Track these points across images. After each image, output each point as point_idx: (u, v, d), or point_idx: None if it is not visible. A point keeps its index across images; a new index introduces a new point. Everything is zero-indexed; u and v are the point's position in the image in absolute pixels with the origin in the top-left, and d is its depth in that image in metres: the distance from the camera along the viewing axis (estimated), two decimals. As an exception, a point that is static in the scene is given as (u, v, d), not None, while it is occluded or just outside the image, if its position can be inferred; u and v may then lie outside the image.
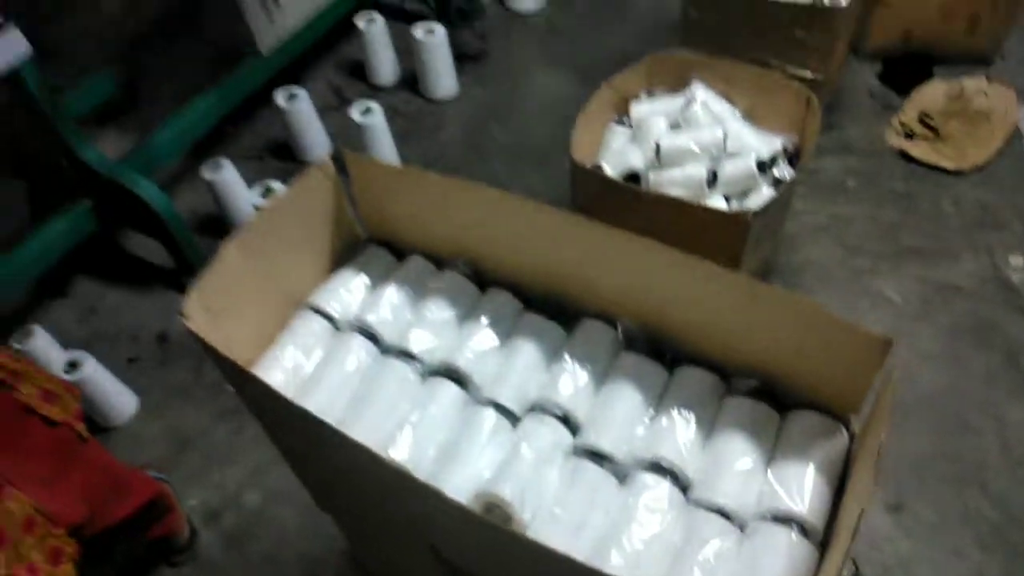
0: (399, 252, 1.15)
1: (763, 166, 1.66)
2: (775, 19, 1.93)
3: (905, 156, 2.13)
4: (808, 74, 1.99)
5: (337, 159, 1.08)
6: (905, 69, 2.32)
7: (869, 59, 2.38)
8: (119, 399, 1.78)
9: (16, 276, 1.88)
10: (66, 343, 1.81)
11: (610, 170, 1.73)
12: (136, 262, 2.12)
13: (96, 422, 1.77)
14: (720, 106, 1.79)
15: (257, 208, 2.00)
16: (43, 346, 1.74)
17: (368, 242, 1.16)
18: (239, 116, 2.38)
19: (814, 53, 1.96)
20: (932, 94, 2.24)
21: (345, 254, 1.15)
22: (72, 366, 1.67)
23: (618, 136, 1.83)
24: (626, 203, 1.60)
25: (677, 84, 1.88)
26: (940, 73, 2.31)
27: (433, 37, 2.33)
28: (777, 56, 1.99)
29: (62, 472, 1.00)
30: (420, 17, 2.68)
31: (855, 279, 1.92)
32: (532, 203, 0.95)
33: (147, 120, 2.44)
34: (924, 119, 2.17)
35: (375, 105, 2.16)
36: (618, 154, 1.77)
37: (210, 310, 0.93)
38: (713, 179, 1.67)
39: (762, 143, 1.73)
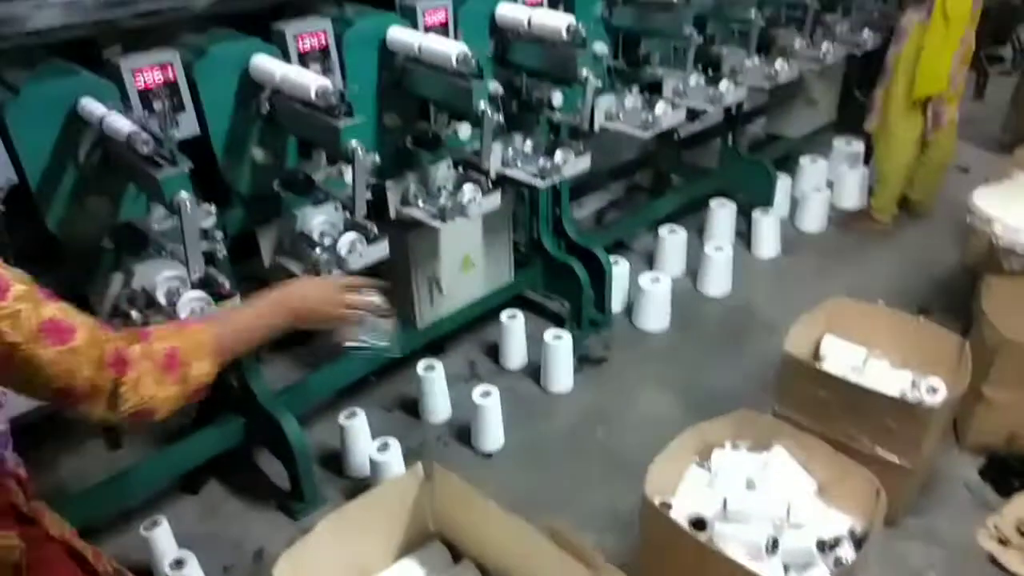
0: (459, 554, 1.35)
1: (824, 546, 1.73)
2: (866, 405, 2.08)
3: (995, 563, 2.09)
4: (896, 460, 2.08)
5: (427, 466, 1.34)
6: (1008, 470, 2.33)
7: (971, 451, 2.42)
8: (203, 605, 1.99)
9: (167, 469, 2.26)
10: (181, 538, 2.10)
11: (679, 510, 1.86)
12: (260, 477, 2.44)
13: (176, 620, 1.98)
14: (796, 476, 1.92)
15: (373, 460, 2.28)
16: (162, 537, 2.03)
17: (435, 538, 1.37)
18: (384, 370, 2.78)
19: (903, 441, 2.06)
20: (1034, 504, 2.22)
21: (415, 543, 1.36)
22: (178, 564, 1.93)
23: (696, 478, 1.98)
24: (686, 547, 1.72)
25: (761, 442, 2.03)
26: (1049, 484, 2.30)
27: (560, 342, 2.68)
28: (868, 436, 2.11)
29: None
30: (558, 317, 3.10)
31: None
32: (566, 556, 1.13)
33: (313, 353, 2.92)
34: (1022, 529, 2.14)
35: (494, 391, 2.47)
36: (691, 496, 1.91)
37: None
38: (774, 546, 1.75)
39: (829, 522, 1.81)
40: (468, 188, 2.21)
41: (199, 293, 1.73)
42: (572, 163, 2.44)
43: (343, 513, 1.20)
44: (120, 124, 1.50)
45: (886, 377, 2.29)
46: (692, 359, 2.93)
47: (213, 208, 1.76)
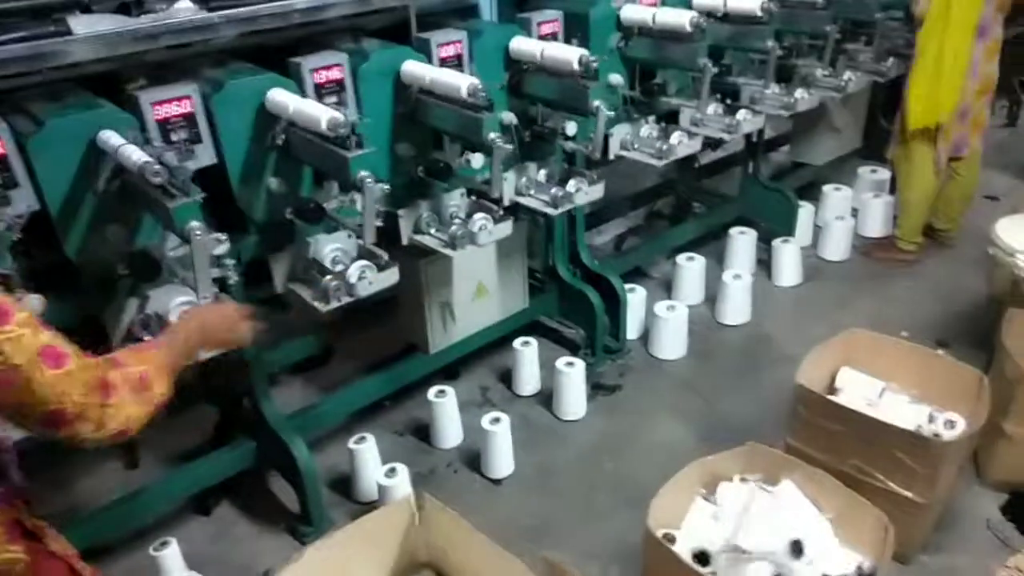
0: (452, 584, 1.35)
1: (830, 584, 1.70)
2: (880, 438, 2.04)
3: (1016, 606, 2.02)
4: (910, 495, 2.03)
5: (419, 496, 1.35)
6: (1032, 509, 2.26)
7: (993, 488, 2.35)
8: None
9: (179, 490, 2.29)
10: (191, 559, 2.13)
11: (683, 543, 1.84)
12: (271, 499, 2.46)
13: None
14: (806, 511, 1.89)
15: (381, 486, 2.29)
16: (172, 558, 2.07)
17: (426, 568, 1.38)
18: (397, 394, 2.79)
19: (916, 476, 2.02)
20: (1058, 547, 2.14)
21: (406, 573, 1.37)
22: (186, 585, 1.97)
23: (702, 512, 1.96)
24: (687, 582, 1.70)
25: (771, 475, 2.01)
26: (1075, 524, 2.23)
27: (572, 369, 2.68)
28: (881, 471, 2.06)
29: None
30: (573, 344, 3.10)
31: None
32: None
33: (329, 379, 2.96)
34: (1044, 571, 2.07)
35: (504, 418, 2.47)
36: (696, 529, 1.89)
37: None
38: (779, 582, 1.72)
39: (838, 558, 1.77)
40: (479, 216, 2.24)
41: (210, 318, 1.77)
42: (585, 192, 2.46)
43: (332, 540, 1.22)
44: (134, 155, 1.55)
45: (902, 411, 2.25)
46: (708, 388, 2.90)
47: (224, 236, 1.80)
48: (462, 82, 1.96)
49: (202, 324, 1.44)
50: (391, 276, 2.04)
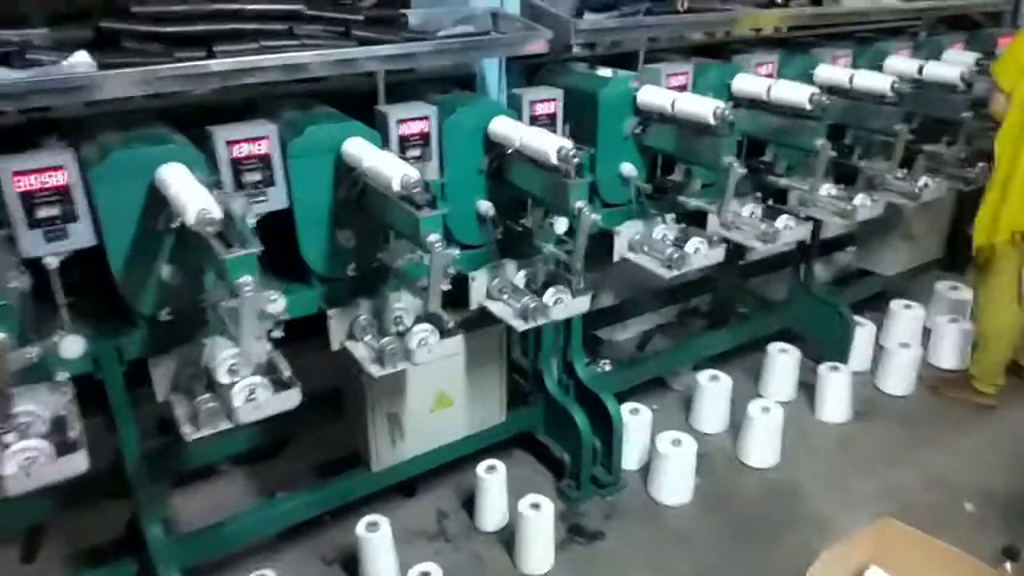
0: None
1: None
2: None
3: None
4: None
5: None
6: None
7: None
8: None
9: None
10: None
11: None
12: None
13: None
14: None
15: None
16: None
17: None
18: (341, 509, 2.38)
19: None
20: None
21: None
22: None
23: None
24: None
25: None
26: None
27: (537, 514, 2.22)
28: None
29: None
30: (560, 465, 2.63)
31: None
32: None
33: (279, 474, 2.60)
34: None
35: (437, 572, 2.03)
36: None
37: None
38: None
39: None
40: (419, 329, 1.85)
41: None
42: (564, 305, 2.03)
43: None
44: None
45: (944, 646, 1.70)
46: (709, 549, 2.37)
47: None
48: (396, 172, 1.59)
49: None
50: (289, 398, 1.66)
